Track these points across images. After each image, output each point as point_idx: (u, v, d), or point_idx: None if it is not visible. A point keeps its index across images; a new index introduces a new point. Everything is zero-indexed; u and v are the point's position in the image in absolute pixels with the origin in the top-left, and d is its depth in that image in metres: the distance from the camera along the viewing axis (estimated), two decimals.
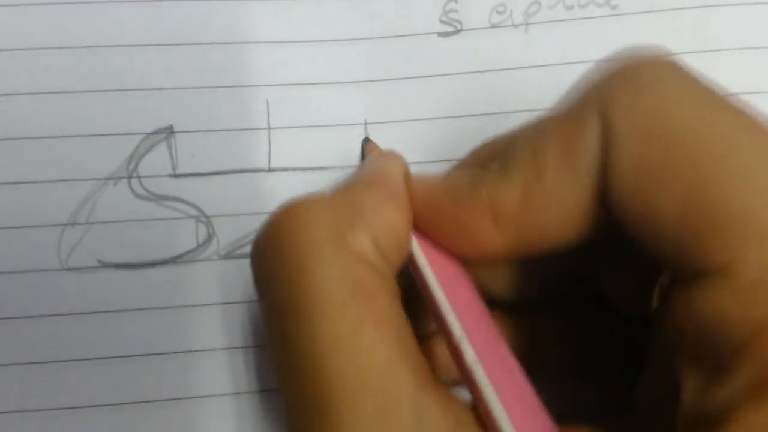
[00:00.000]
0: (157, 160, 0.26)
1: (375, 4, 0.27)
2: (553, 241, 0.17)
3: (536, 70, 0.27)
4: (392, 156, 0.20)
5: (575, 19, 0.27)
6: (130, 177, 0.26)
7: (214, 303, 0.25)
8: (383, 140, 0.26)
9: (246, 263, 0.25)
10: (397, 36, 0.27)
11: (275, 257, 0.17)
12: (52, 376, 0.25)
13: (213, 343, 0.25)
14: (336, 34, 0.27)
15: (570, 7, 0.27)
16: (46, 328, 0.25)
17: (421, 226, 0.19)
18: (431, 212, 0.19)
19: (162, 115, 0.26)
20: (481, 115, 0.26)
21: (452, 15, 0.27)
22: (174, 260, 0.25)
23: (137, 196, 0.26)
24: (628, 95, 0.16)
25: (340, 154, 0.26)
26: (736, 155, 0.15)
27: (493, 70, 0.27)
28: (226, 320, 0.25)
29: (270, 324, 0.17)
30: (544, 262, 0.19)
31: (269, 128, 0.26)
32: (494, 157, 0.19)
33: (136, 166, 0.26)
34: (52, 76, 0.26)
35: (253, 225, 0.26)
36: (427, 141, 0.26)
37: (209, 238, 0.26)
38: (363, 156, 0.26)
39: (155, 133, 0.26)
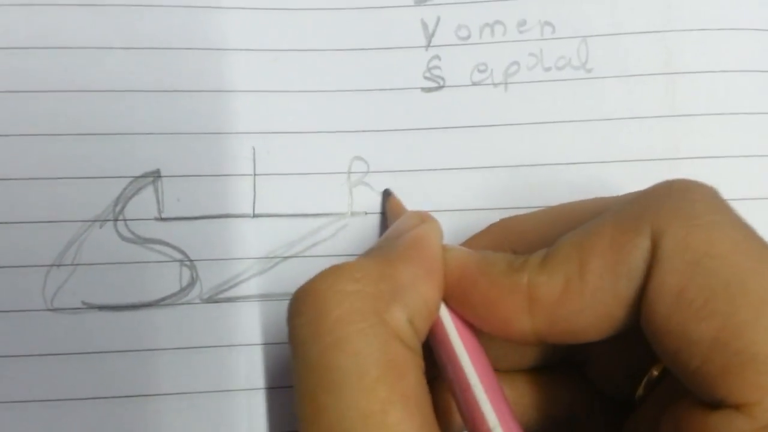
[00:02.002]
0: (143, 204, 0.27)
1: (361, 58, 0.28)
2: (580, 336, 0.18)
3: (514, 128, 0.28)
4: (430, 221, 0.21)
5: (552, 80, 0.28)
6: (116, 220, 0.26)
7: (195, 346, 0.26)
8: (366, 189, 0.27)
9: (228, 307, 0.26)
10: (382, 89, 0.28)
11: (314, 322, 0.18)
12: (35, 415, 0.25)
13: (193, 386, 0.26)
14: (322, 85, 0.28)
15: (548, 69, 0.28)
16: (30, 368, 0.25)
17: (449, 295, 0.20)
18: (463, 287, 0.19)
19: (149, 159, 0.27)
20: (461, 168, 0.27)
21: (435, 72, 0.28)
22: (157, 303, 0.26)
23: (123, 238, 0.26)
24: (681, 228, 0.17)
25: (323, 202, 0.27)
26: None
27: (474, 126, 0.28)
28: (206, 364, 0.26)
29: (301, 384, 0.18)
30: None
31: (254, 174, 0.27)
32: (516, 240, 0.20)
33: (123, 208, 0.26)
34: (41, 119, 0.26)
35: (237, 270, 0.26)
36: (409, 191, 0.27)
37: (192, 282, 0.26)
38: (383, 208, 0.27)
39: (142, 176, 0.27)
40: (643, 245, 0.17)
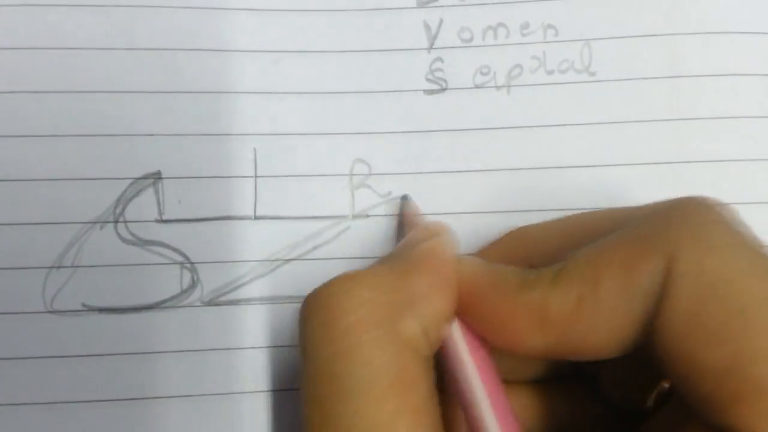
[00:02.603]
0: (143, 206, 0.26)
1: (363, 60, 0.28)
2: (590, 354, 0.18)
3: (517, 131, 0.28)
4: (444, 234, 0.21)
5: (555, 83, 0.28)
6: (116, 221, 0.26)
7: (195, 349, 0.26)
8: (368, 191, 0.27)
9: (229, 310, 0.26)
10: (384, 91, 0.28)
11: (326, 325, 0.18)
12: (35, 418, 0.25)
13: (194, 389, 0.26)
14: (324, 87, 0.28)
15: (551, 72, 0.28)
16: (30, 370, 0.25)
17: (460, 308, 0.20)
18: (475, 300, 0.19)
19: (150, 160, 0.27)
20: (463, 171, 0.27)
21: (438, 74, 0.28)
22: (158, 305, 0.26)
23: (123, 240, 0.26)
24: (695, 251, 0.17)
25: (325, 204, 0.27)
26: None
27: (476, 129, 0.28)
28: (207, 367, 0.26)
29: (309, 389, 0.18)
30: None
31: (256, 176, 0.27)
32: (531, 250, 0.20)
33: (123, 210, 0.26)
34: (42, 120, 0.26)
35: (238, 273, 0.26)
36: (411, 193, 0.27)
37: (193, 284, 0.26)
38: (400, 214, 0.27)
39: (143, 178, 0.26)
40: (657, 267, 0.17)
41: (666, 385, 0.20)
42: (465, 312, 0.20)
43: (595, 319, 0.18)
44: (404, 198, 0.27)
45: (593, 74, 0.28)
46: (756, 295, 0.16)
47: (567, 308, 0.18)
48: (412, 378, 0.17)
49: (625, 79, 0.28)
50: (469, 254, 0.22)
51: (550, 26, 0.28)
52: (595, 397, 0.22)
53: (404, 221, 0.26)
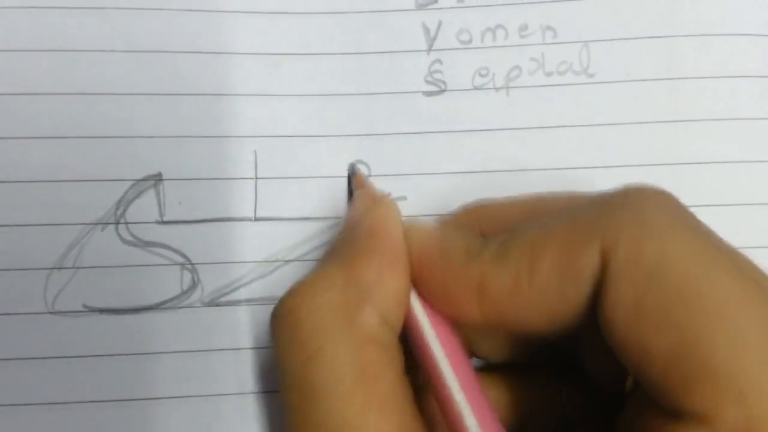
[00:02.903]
0: (144, 207, 0.27)
1: (363, 62, 0.28)
2: (531, 330, 0.19)
3: (516, 132, 0.28)
4: (386, 206, 0.21)
5: (554, 85, 0.28)
6: (117, 222, 0.26)
7: (197, 350, 0.26)
8: None
9: (229, 310, 0.26)
10: (383, 93, 0.28)
11: (291, 339, 0.18)
12: (35, 418, 0.25)
13: (194, 390, 0.26)
14: (324, 90, 0.28)
15: (549, 74, 0.28)
16: (30, 371, 0.25)
17: (412, 276, 0.20)
18: (423, 269, 0.20)
19: (151, 162, 0.27)
20: (462, 172, 0.27)
21: (437, 75, 0.28)
22: (158, 306, 0.26)
23: (124, 241, 0.26)
24: (633, 239, 0.17)
25: (325, 205, 0.27)
26: (727, 315, 0.16)
27: (475, 130, 0.28)
28: (208, 368, 0.26)
29: (287, 400, 0.18)
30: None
31: (256, 178, 0.27)
32: (487, 224, 0.20)
33: (124, 212, 0.26)
34: (43, 121, 0.26)
35: (238, 273, 0.26)
36: (410, 195, 0.27)
37: (194, 285, 0.26)
38: (349, 185, 0.27)
39: (144, 179, 0.27)
40: (594, 252, 0.17)
41: None
42: (415, 280, 0.20)
43: (531, 298, 0.18)
44: (351, 167, 0.27)
45: (592, 76, 0.28)
46: (693, 278, 0.16)
47: (504, 285, 0.18)
48: (377, 369, 0.18)
49: (623, 81, 0.28)
50: (418, 219, 0.22)
51: (548, 28, 0.28)
52: (582, 384, 0.22)
53: (353, 189, 0.26)
